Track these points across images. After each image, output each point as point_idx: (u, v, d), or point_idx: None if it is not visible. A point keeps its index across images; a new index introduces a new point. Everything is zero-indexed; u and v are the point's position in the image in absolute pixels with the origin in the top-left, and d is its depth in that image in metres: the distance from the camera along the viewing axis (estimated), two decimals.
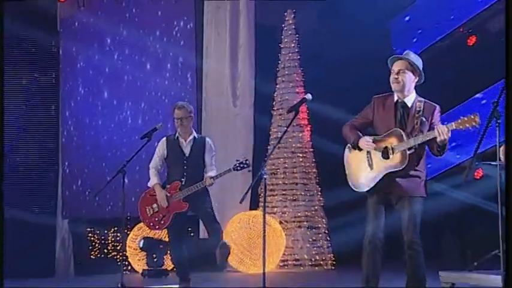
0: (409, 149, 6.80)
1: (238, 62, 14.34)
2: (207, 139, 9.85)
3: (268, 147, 14.06)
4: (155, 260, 12.52)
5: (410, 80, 7.08)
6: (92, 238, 16.43)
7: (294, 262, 13.50)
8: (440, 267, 9.22)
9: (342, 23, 15.04)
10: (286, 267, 13.24)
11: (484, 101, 14.92)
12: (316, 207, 14.03)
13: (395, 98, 7.12)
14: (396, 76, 7.09)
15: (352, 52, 14.61)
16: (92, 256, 16.15)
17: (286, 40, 14.13)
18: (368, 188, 7.31)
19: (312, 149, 14.33)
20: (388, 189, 7.08)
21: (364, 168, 7.29)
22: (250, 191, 12.90)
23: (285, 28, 14.24)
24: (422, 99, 7.21)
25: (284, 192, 14.11)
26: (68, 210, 16.65)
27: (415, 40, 16.11)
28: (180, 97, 14.68)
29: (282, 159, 14.06)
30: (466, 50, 15.34)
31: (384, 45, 15.77)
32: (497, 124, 6.80)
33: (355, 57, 14.56)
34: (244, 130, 14.31)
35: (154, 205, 9.67)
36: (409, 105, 7.09)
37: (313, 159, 14.24)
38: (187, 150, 9.64)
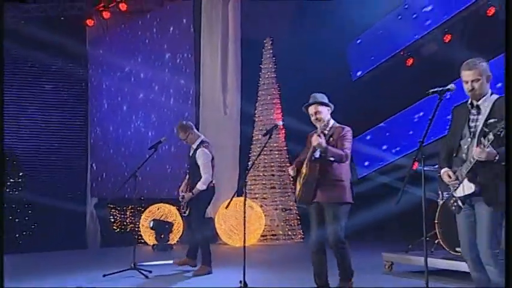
0: (312, 160, 7.01)
1: (227, 80, 14.37)
2: (201, 149, 9.65)
3: (251, 146, 14.38)
4: (162, 237, 12.62)
5: (327, 113, 7.26)
6: (114, 214, 16.98)
7: (272, 237, 13.79)
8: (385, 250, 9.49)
9: (311, 47, 15.02)
10: (265, 240, 13.46)
11: (416, 117, 15.52)
12: (289, 194, 14.16)
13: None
14: (312, 114, 7.33)
15: (317, 71, 14.62)
16: (114, 228, 16.67)
17: (265, 62, 14.21)
18: (299, 199, 7.45)
19: (285, 148, 14.42)
20: (309, 198, 7.13)
21: (298, 182, 7.32)
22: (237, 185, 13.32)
23: (264, 52, 14.20)
24: (337, 124, 7.33)
25: (264, 182, 14.31)
26: (95, 192, 17.56)
27: (365, 61, 16.34)
28: (182, 111, 15.12)
29: (262, 156, 13.87)
30: (404, 70, 15.59)
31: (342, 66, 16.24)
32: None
33: (318, 76, 14.67)
34: (233, 132, 14.35)
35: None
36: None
37: (287, 156, 14.27)
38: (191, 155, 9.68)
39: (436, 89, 5.87)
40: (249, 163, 13.42)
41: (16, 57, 16.23)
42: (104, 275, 9.17)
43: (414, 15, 15.26)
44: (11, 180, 15.67)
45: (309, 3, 15.15)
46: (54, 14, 16.03)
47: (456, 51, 14.13)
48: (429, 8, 14.88)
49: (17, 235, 14.79)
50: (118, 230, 16.37)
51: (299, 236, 14.20)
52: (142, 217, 13.64)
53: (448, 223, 7.54)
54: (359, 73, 16.22)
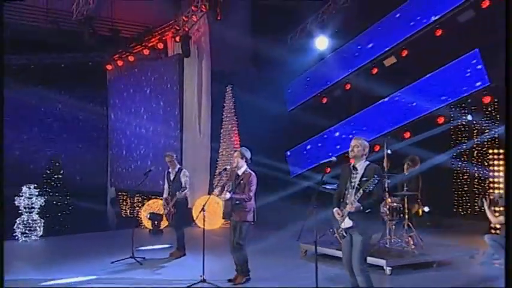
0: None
1: (201, 113, 14.16)
2: (183, 170, 9.84)
3: (218, 159, 14.05)
4: (156, 224, 12.53)
5: (243, 163, 7.45)
6: (125, 201, 16.72)
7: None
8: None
9: (260, 90, 14.64)
10: (227, 224, 12.85)
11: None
12: None
13: None
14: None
15: (264, 106, 14.46)
16: (125, 214, 16.33)
17: (227, 100, 14.03)
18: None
19: None
20: (228, 216, 7.57)
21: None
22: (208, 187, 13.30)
23: (226, 94, 14.04)
24: (248, 170, 7.49)
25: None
26: (114, 181, 17.11)
27: (296, 99, 16.34)
28: (171, 132, 14.79)
29: (226, 162, 13.17)
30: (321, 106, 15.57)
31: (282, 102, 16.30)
32: None
33: (265, 109, 14.64)
34: (205, 149, 14.14)
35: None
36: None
37: None
38: (172, 177, 9.75)
39: (325, 161, 6.21)
40: (216, 170, 13.29)
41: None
42: (112, 262, 9.05)
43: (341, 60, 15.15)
44: (55, 176, 15.54)
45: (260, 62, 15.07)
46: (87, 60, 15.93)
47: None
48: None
49: (58, 217, 14.19)
50: (126, 215, 16.07)
51: (252, 221, 13.56)
52: (142, 209, 13.58)
53: None
54: (291, 107, 16.24)
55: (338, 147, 14.85)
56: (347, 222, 5.65)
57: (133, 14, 15.81)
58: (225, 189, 7.55)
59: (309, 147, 16.08)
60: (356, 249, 5.67)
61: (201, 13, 13.65)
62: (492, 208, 9.38)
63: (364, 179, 5.62)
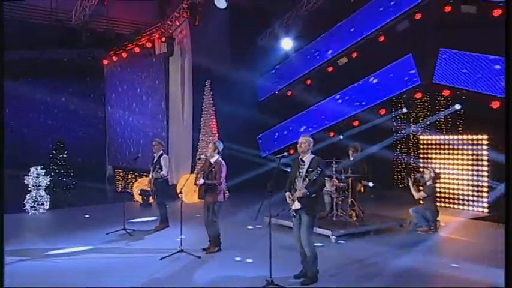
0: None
1: (184, 104, 13.96)
2: (164, 155, 9.73)
3: (198, 144, 13.79)
4: (145, 199, 12.44)
5: (215, 154, 7.55)
6: (121, 177, 16.42)
7: None
8: None
9: (235, 83, 14.67)
10: None
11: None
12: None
13: None
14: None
15: (239, 97, 14.62)
16: (119, 189, 16.00)
17: (206, 94, 13.76)
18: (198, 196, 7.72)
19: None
20: (202, 197, 7.58)
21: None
22: (190, 168, 13.28)
23: (206, 88, 13.75)
24: (219, 160, 7.51)
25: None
26: (111, 161, 16.85)
27: (265, 91, 16.23)
28: (158, 122, 14.59)
29: (205, 146, 12.26)
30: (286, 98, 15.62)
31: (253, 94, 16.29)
32: None
33: (240, 100, 14.57)
34: (188, 136, 13.93)
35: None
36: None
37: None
38: (155, 160, 9.64)
39: (278, 156, 6.39)
40: (197, 154, 13.33)
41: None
42: (107, 233, 9.02)
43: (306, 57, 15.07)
44: (60, 156, 15.46)
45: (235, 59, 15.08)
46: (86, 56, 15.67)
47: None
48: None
49: (62, 193, 13.93)
50: (121, 190, 15.68)
51: (227, 195, 12.74)
52: (134, 186, 13.54)
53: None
54: (262, 98, 16.16)
55: (304, 130, 14.84)
56: (296, 205, 5.85)
57: (126, 13, 15.46)
58: (200, 175, 7.63)
59: (276, 134, 16.02)
60: (304, 226, 5.89)
61: (183, 19, 13.48)
62: (415, 185, 9.70)
63: (310, 169, 5.84)
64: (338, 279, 6.32)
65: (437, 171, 10.18)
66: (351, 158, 9.91)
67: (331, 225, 8.83)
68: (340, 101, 14.06)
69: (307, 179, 5.77)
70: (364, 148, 11.21)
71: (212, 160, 7.58)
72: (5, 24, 12.63)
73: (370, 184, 10.68)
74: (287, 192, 6.02)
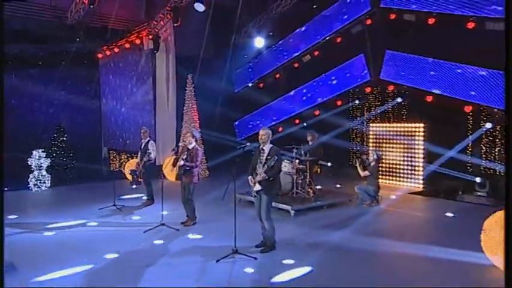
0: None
1: (169, 95, 13.89)
2: (151, 141, 9.69)
3: (181, 130, 13.48)
4: (134, 178, 12.23)
5: (193, 141, 7.64)
6: (114, 158, 16.28)
7: None
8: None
9: (214, 77, 14.78)
10: None
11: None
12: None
13: None
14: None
15: (217, 89, 14.78)
16: (113, 168, 15.74)
17: (188, 86, 13.56)
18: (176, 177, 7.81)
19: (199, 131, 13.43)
20: (179, 178, 7.67)
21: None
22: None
23: (188, 81, 13.57)
24: (196, 146, 7.61)
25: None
26: (106, 144, 16.59)
27: (240, 82, 16.28)
28: (146, 111, 14.48)
29: (187, 132, 12.67)
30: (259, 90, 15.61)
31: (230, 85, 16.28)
32: None
33: (217, 91, 14.81)
34: (172, 123, 13.89)
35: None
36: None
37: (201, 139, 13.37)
38: (142, 146, 9.61)
39: (241, 146, 6.57)
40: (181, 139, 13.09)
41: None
42: (99, 209, 8.99)
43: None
44: (60, 139, 15.32)
45: (214, 55, 15.01)
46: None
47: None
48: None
49: (62, 172, 13.67)
50: (114, 169, 15.54)
51: (207, 174, 13.52)
52: (125, 166, 13.22)
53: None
54: (237, 89, 16.18)
55: (274, 118, 15.13)
56: (257, 187, 6.05)
57: (118, 10, 14.98)
58: (179, 159, 7.63)
59: (250, 121, 16.08)
60: (263, 204, 6.09)
61: (167, 19, 13.37)
62: (361, 165, 9.95)
63: (268, 157, 6.01)
64: (293, 246, 6.49)
65: (380, 153, 10.40)
66: (310, 143, 10.11)
67: (291, 201, 8.99)
68: (304, 92, 14.26)
69: (266, 165, 5.96)
70: (324, 134, 11.48)
71: (190, 146, 7.63)
72: (9, 21, 12.19)
73: (329, 164, 11.01)
74: (249, 176, 6.16)
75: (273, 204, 8.31)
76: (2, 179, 3.38)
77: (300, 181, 9.57)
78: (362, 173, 9.71)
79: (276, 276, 5.33)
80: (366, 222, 8.18)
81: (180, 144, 8.56)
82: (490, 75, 9.46)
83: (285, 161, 9.53)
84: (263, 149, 6.16)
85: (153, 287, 5.05)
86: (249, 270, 5.54)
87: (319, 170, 10.21)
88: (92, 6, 11.12)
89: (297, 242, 6.82)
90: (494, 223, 5.44)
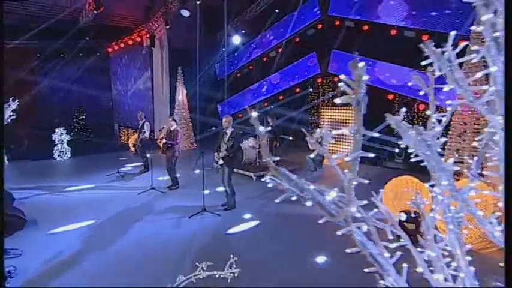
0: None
1: (163, 81, 13.63)
2: (146, 122, 9.56)
3: (172, 114, 13.20)
4: (136, 150, 11.99)
5: (175, 124, 7.57)
6: (122, 133, 16.17)
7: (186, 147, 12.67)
8: None
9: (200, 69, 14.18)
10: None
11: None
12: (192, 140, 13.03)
13: None
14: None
15: (202, 79, 14.43)
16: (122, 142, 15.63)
17: (178, 77, 13.20)
18: (161, 152, 7.68)
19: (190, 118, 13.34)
20: (163, 152, 7.69)
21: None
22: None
23: (179, 73, 13.21)
24: (177, 128, 7.56)
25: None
26: (116, 121, 16.49)
27: (221, 71, 15.99)
28: (147, 101, 14.25)
29: (177, 113, 12.78)
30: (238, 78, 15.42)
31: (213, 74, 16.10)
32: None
33: (202, 80, 14.66)
34: (166, 107, 13.56)
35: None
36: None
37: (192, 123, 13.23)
38: (140, 126, 9.54)
39: (210, 129, 6.68)
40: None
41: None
42: (106, 175, 8.99)
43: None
44: (80, 117, 15.28)
45: (200, 50, 14.73)
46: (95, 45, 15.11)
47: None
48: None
49: (81, 145, 13.71)
50: (121, 142, 15.28)
51: (194, 146, 13.05)
52: (130, 140, 13.27)
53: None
54: (221, 76, 15.91)
55: (249, 101, 15.12)
56: (221, 161, 6.25)
57: (122, 13, 14.82)
58: (163, 138, 7.71)
59: (230, 103, 15.94)
60: (225, 174, 6.33)
61: (160, 22, 13.13)
62: (312, 140, 10.18)
63: (230, 138, 6.21)
64: (251, 205, 6.64)
65: (325, 129, 10.48)
66: (270, 124, 10.25)
67: (254, 168, 9.14)
68: (271, 81, 14.32)
69: (227, 145, 6.20)
70: (286, 114, 11.59)
71: (172, 128, 7.72)
72: (36, 20, 11.84)
73: (290, 138, 11.16)
74: (215, 153, 6.32)
75: (240, 171, 8.78)
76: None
77: (262, 153, 9.73)
78: (311, 147, 9.86)
79: (231, 229, 5.60)
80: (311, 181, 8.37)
81: (165, 126, 8.62)
82: (408, 71, 9.63)
83: (250, 138, 9.72)
84: (226, 132, 6.33)
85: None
86: (213, 224, 5.80)
87: (278, 144, 10.33)
88: (96, 12, 10.84)
89: (255, 201, 6.92)
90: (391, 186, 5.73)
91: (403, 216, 4.72)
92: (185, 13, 11.45)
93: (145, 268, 4.38)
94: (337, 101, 1.32)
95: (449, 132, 6.20)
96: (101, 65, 16.24)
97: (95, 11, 10.71)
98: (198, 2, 10.81)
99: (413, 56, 7.98)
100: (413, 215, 4.85)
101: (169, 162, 7.78)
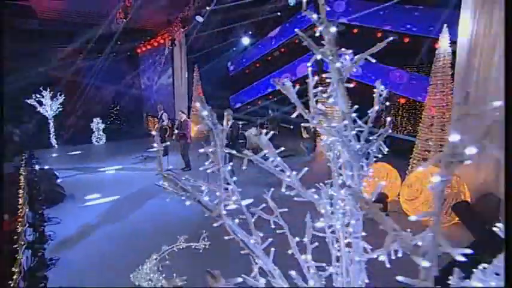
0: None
1: (182, 77, 13.73)
2: (164, 113, 9.78)
3: (190, 107, 13.49)
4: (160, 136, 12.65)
5: (184, 116, 7.64)
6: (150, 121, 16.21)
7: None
8: None
9: (216, 63, 14.62)
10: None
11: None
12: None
13: None
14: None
15: (218, 72, 14.75)
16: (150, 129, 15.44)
17: (195, 73, 13.36)
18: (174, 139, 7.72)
19: None
20: (177, 139, 7.74)
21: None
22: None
23: (195, 69, 13.42)
24: (187, 119, 7.63)
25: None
26: (145, 111, 16.61)
27: (233, 67, 16.00)
28: (168, 90, 14.41)
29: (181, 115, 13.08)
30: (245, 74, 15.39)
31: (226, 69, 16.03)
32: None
33: (217, 74, 14.74)
34: (184, 99, 13.55)
35: None
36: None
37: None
38: (159, 117, 9.95)
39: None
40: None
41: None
42: (132, 158, 9.10)
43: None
44: (115, 108, 15.71)
45: (214, 50, 14.71)
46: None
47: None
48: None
49: (115, 131, 13.76)
50: (148, 130, 15.30)
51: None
52: (154, 128, 13.69)
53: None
54: (232, 73, 15.73)
55: (256, 94, 14.92)
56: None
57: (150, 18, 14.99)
58: (174, 128, 8.00)
59: (240, 95, 15.82)
60: (227, 159, 6.64)
61: (179, 26, 13.25)
62: (304, 130, 9.91)
63: (230, 129, 6.40)
64: (253, 184, 6.39)
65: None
66: (271, 115, 10.39)
67: (256, 153, 9.33)
68: (275, 76, 14.23)
69: (227, 134, 6.39)
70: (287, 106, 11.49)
71: (182, 119, 7.95)
72: (81, 26, 12.21)
73: (291, 127, 11.24)
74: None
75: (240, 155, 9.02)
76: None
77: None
78: (304, 135, 10.06)
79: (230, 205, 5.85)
80: (302, 163, 8.38)
81: (177, 118, 8.89)
82: (393, 70, 9.45)
83: (253, 128, 9.89)
84: (227, 124, 6.54)
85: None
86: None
87: (277, 132, 10.52)
88: (125, 20, 11.11)
89: (256, 181, 6.66)
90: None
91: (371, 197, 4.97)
92: (199, 19, 11.54)
93: (152, 237, 4.65)
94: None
95: (420, 125, 6.22)
96: (133, 63, 16.54)
97: (124, 20, 10.96)
98: (208, 8, 10.78)
99: (394, 55, 7.79)
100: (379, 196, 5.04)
101: (182, 147, 8.02)
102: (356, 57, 1.45)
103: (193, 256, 2.81)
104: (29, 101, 11.04)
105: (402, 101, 9.97)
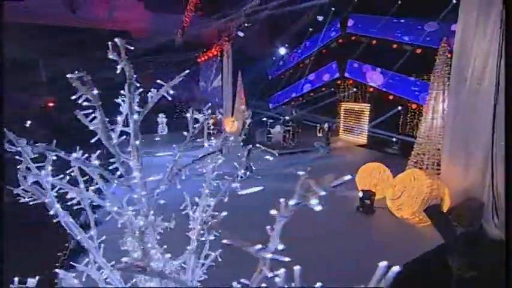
0: None
1: (228, 81, 13.63)
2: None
3: (234, 105, 13.50)
4: None
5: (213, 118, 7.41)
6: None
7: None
8: None
9: (257, 68, 14.16)
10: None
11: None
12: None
13: None
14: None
15: (258, 77, 14.31)
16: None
17: (239, 77, 12.95)
18: None
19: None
20: None
21: None
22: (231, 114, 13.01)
23: (238, 75, 13.02)
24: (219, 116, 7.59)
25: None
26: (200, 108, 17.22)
27: (272, 73, 15.28)
28: (218, 92, 14.53)
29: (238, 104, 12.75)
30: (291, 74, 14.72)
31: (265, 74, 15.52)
32: None
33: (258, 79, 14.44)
34: (230, 99, 13.33)
35: None
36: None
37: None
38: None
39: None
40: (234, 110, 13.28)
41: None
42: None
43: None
44: (179, 108, 16.32)
45: (255, 58, 14.51)
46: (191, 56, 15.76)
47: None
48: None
49: (176, 123, 13.18)
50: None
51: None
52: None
53: None
54: (270, 77, 15.36)
55: (290, 96, 14.66)
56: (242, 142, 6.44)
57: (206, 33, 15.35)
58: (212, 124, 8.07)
59: (277, 96, 15.50)
60: (245, 150, 5.98)
61: (226, 40, 13.49)
62: (320, 130, 9.75)
63: (247, 127, 6.42)
64: (267, 173, 6.46)
65: (331, 124, 9.81)
66: (294, 114, 10.02)
67: (278, 147, 9.04)
68: (304, 81, 13.70)
69: (245, 131, 6.37)
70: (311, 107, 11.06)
71: (217, 118, 8.16)
72: (148, 41, 12.88)
73: (318, 125, 10.65)
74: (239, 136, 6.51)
75: (265, 148, 8.74)
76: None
77: (286, 137, 9.53)
78: (318, 134, 9.53)
79: (243, 190, 5.45)
80: (315, 159, 8.02)
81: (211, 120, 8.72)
82: (402, 78, 8.43)
83: (277, 126, 9.65)
84: (245, 122, 6.51)
85: None
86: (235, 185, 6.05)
87: (299, 130, 10.16)
88: (182, 35, 11.61)
89: (271, 171, 6.70)
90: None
91: (361, 194, 4.58)
92: (240, 34, 11.53)
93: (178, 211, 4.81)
94: None
95: (418, 129, 5.57)
96: (195, 71, 16.93)
97: (181, 37, 11.44)
98: (246, 25, 10.68)
99: (408, 65, 6.97)
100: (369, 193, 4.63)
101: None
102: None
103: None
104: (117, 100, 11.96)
105: (390, 97, 9.05)
